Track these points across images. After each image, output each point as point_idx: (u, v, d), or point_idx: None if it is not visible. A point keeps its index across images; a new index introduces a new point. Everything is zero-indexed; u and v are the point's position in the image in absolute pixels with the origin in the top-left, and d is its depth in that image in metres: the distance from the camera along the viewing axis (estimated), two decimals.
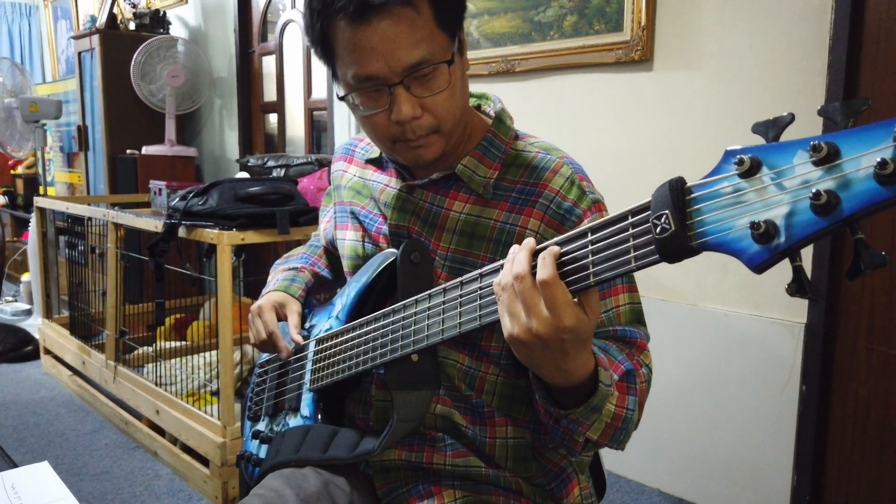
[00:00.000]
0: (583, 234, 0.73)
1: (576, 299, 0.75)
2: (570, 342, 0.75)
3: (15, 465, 1.04)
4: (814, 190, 0.51)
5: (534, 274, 0.76)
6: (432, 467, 1.04)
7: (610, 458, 2.46)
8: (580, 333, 0.75)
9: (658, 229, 0.63)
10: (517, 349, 0.78)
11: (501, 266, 0.82)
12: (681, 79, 2.29)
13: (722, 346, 2.23)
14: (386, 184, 1.10)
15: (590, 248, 0.72)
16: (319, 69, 3.95)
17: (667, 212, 0.62)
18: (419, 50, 0.91)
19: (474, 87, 1.15)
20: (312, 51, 1.01)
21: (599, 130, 2.52)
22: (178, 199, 2.51)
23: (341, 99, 1.00)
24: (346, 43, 0.92)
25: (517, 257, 0.77)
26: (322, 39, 0.96)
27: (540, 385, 0.85)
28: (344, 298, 1.12)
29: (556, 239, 0.76)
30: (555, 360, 0.77)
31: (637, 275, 0.78)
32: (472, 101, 1.11)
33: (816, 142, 0.51)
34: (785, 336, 2.08)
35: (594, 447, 0.91)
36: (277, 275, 1.29)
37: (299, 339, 1.15)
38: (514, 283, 0.76)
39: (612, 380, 0.87)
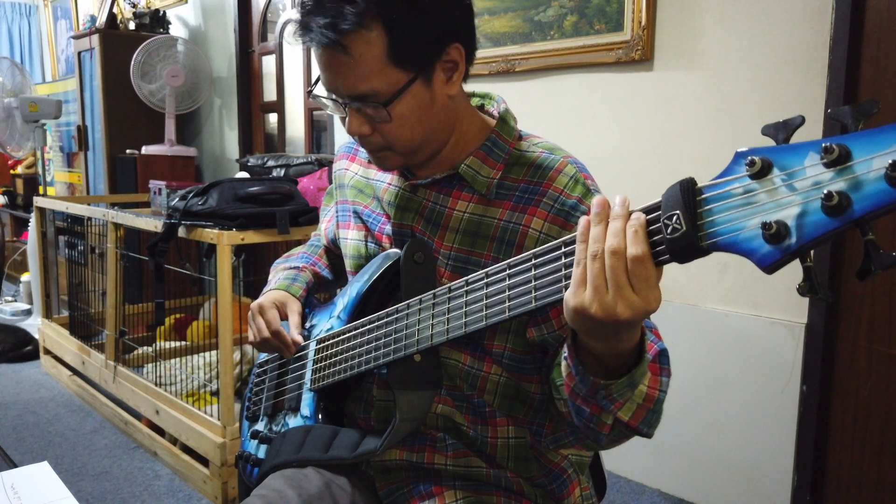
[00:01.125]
0: None
1: None
2: (641, 322, 0.72)
3: (15, 465, 1.04)
4: (825, 191, 0.51)
5: None
6: (433, 467, 1.04)
7: (610, 459, 2.47)
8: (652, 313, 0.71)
9: (669, 229, 0.63)
10: (580, 321, 0.72)
11: (507, 265, 0.81)
12: (681, 79, 2.29)
13: (722, 346, 2.23)
14: (389, 182, 1.11)
15: None
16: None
17: (678, 212, 0.62)
18: (365, 85, 0.94)
19: (476, 87, 1.15)
20: None
21: (599, 130, 2.52)
22: (177, 198, 2.51)
23: (310, 95, 1.05)
24: (315, 56, 0.98)
25: (614, 227, 0.69)
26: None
27: (581, 362, 0.80)
28: (345, 298, 1.12)
29: (563, 238, 0.76)
30: (618, 337, 0.73)
31: None
32: (476, 101, 1.12)
33: (828, 143, 0.51)
34: (785, 336, 2.08)
35: (623, 432, 0.85)
36: (278, 274, 1.29)
37: (300, 338, 1.15)
38: (610, 257, 0.68)
39: (647, 358, 0.82)
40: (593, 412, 0.83)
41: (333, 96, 0.98)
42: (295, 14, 0.98)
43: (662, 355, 0.88)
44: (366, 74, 0.92)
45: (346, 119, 0.99)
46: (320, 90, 1.00)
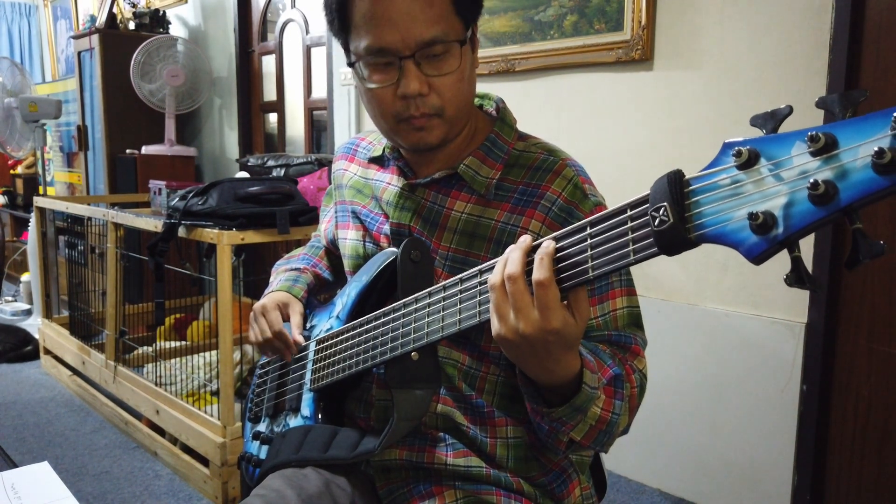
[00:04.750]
0: (582, 229, 0.73)
1: (565, 302, 0.76)
2: (555, 344, 0.77)
3: (15, 465, 1.04)
4: (811, 180, 0.51)
5: (528, 272, 0.76)
6: (433, 467, 1.04)
7: (610, 458, 2.46)
8: (566, 336, 0.76)
9: (656, 222, 0.63)
10: (503, 347, 0.80)
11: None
12: (681, 78, 2.29)
13: (722, 346, 2.23)
14: (388, 182, 1.11)
15: (588, 241, 0.72)
16: (319, 68, 3.95)
17: (665, 204, 0.62)
18: (434, 28, 0.93)
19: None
20: (326, 20, 1.02)
21: (599, 130, 2.52)
22: (177, 198, 2.52)
23: (350, 65, 1.01)
24: (364, 13, 0.94)
25: (511, 257, 0.77)
26: (340, 8, 0.97)
27: (526, 382, 0.86)
28: (344, 298, 1.12)
29: (554, 234, 0.76)
30: (539, 360, 0.79)
31: (637, 274, 0.78)
32: (475, 102, 1.11)
33: (814, 132, 0.51)
34: (785, 335, 2.08)
35: (577, 448, 0.91)
36: (279, 275, 1.29)
37: (301, 339, 1.15)
38: (507, 283, 0.76)
39: (600, 383, 0.88)
40: (549, 430, 0.89)
41: (387, 59, 0.94)
42: None
43: (616, 380, 0.92)
44: (435, 18, 0.93)
45: (402, 80, 0.94)
46: (364, 55, 0.96)
